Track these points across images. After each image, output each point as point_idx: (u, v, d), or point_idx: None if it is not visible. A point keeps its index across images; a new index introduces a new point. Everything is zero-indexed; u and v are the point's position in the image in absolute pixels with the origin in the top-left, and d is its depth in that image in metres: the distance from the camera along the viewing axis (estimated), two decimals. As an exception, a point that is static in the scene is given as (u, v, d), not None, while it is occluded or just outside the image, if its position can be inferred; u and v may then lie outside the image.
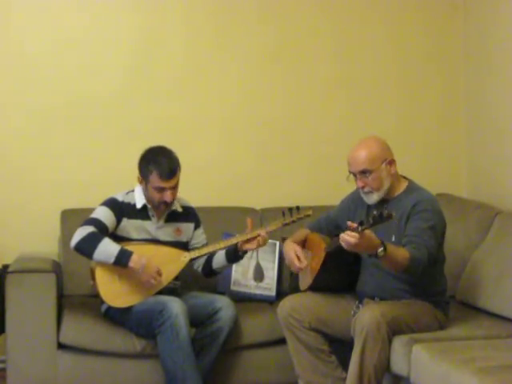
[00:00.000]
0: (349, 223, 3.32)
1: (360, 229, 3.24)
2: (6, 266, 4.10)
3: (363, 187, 3.70)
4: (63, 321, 3.93)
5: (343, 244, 3.32)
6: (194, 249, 4.04)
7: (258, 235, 3.88)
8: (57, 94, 4.53)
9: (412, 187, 3.77)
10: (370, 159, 3.66)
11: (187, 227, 4.08)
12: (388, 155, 3.72)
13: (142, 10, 4.63)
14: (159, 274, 3.83)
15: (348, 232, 3.28)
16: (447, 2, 4.99)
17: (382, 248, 3.33)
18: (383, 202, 3.72)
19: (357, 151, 3.71)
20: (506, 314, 3.88)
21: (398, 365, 3.53)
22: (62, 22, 4.53)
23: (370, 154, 3.67)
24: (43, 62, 4.52)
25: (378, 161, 3.67)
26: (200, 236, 4.12)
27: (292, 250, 3.87)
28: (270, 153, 4.82)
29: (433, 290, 3.74)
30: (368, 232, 3.28)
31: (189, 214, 4.09)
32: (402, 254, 3.44)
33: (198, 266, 4.10)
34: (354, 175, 3.72)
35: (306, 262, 3.83)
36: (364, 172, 3.67)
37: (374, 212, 3.24)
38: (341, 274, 3.82)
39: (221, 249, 3.99)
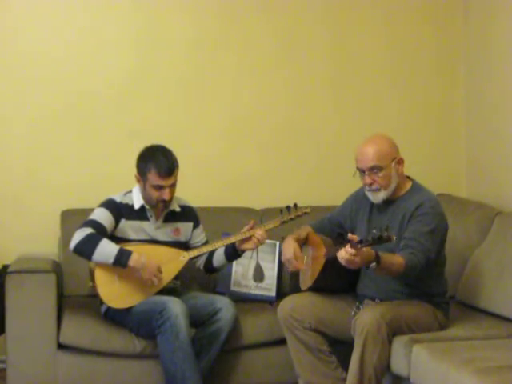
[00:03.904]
0: (349, 236, 3.29)
1: (359, 246, 3.23)
2: (6, 267, 4.11)
3: (371, 184, 3.68)
4: (63, 321, 3.93)
5: (340, 260, 3.31)
6: (193, 248, 4.04)
7: (254, 235, 3.89)
8: (57, 94, 4.53)
9: (416, 188, 3.77)
10: (381, 156, 3.65)
11: (186, 227, 4.08)
12: (397, 154, 3.71)
13: (143, 9, 4.63)
14: (160, 271, 3.84)
15: (347, 248, 3.26)
16: (447, 2, 4.99)
17: (374, 263, 3.33)
18: (388, 201, 3.72)
19: (366, 148, 3.68)
20: (506, 314, 3.88)
21: (398, 365, 3.54)
22: (62, 22, 4.53)
23: (380, 150, 3.66)
24: (43, 63, 4.52)
25: (388, 158, 3.66)
26: (199, 235, 4.12)
27: (291, 249, 3.84)
28: (271, 153, 4.82)
29: (433, 291, 3.74)
30: (365, 249, 3.28)
31: (187, 214, 4.09)
32: (396, 262, 3.43)
33: (200, 264, 4.11)
34: (362, 172, 3.69)
35: (302, 266, 3.82)
36: (373, 169, 3.65)
37: (374, 231, 3.22)
38: (341, 277, 3.81)
39: (219, 247, 4.00)
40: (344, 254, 3.27)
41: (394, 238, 3.24)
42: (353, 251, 3.24)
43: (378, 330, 3.46)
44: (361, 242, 3.23)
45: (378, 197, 3.72)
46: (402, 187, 3.75)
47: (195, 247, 4.06)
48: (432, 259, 3.57)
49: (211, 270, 4.13)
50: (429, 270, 3.59)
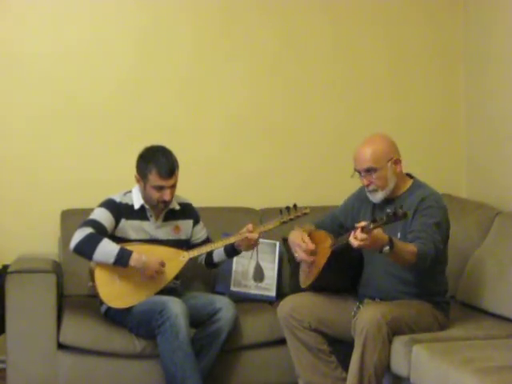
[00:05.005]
0: (358, 224, 3.29)
1: (371, 226, 3.23)
2: (6, 267, 4.11)
3: (368, 185, 3.70)
4: (63, 321, 3.93)
5: (352, 243, 3.30)
6: (193, 247, 4.04)
7: (248, 238, 3.90)
8: (57, 94, 4.53)
9: (417, 185, 3.77)
10: (376, 157, 3.66)
11: (186, 224, 4.09)
12: (394, 154, 3.71)
13: (143, 10, 4.63)
14: (162, 265, 3.84)
15: (358, 233, 3.26)
16: (447, 2, 4.99)
17: (387, 247, 3.32)
18: (388, 200, 3.73)
19: (362, 149, 3.70)
20: (506, 314, 3.88)
21: (398, 365, 3.53)
22: (63, 23, 4.53)
23: (375, 151, 3.67)
24: (43, 63, 4.51)
25: (383, 159, 3.67)
26: (200, 232, 4.14)
27: (299, 235, 3.84)
28: (270, 153, 4.82)
29: (433, 290, 3.74)
30: (376, 231, 3.27)
31: (187, 211, 4.10)
32: (409, 249, 3.43)
33: (201, 259, 4.13)
34: (359, 173, 3.71)
35: (313, 246, 3.79)
36: (369, 170, 3.66)
37: (388, 210, 3.22)
38: (343, 274, 3.81)
39: (218, 248, 4.01)
40: (354, 240, 3.27)
41: (410, 213, 3.22)
42: (364, 236, 3.24)
43: (378, 329, 3.46)
44: (374, 221, 3.22)
45: (377, 197, 3.73)
46: (401, 186, 3.76)
47: (196, 244, 4.07)
48: (440, 250, 3.58)
49: (212, 265, 4.15)
50: (431, 268, 3.58)
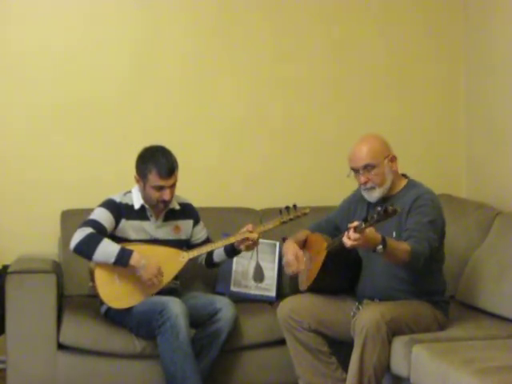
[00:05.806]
0: (351, 225, 3.30)
1: (363, 225, 3.24)
2: (6, 267, 4.10)
3: (366, 183, 3.70)
4: (63, 321, 3.93)
5: (345, 243, 3.31)
6: (192, 247, 4.05)
7: (248, 238, 3.90)
8: (57, 94, 4.53)
9: (411, 184, 3.79)
10: (373, 154, 3.68)
11: (186, 224, 4.09)
12: (389, 152, 3.73)
13: (143, 10, 4.63)
14: (160, 272, 3.84)
15: (350, 233, 3.27)
16: (447, 2, 4.99)
17: (380, 246, 3.33)
18: (384, 199, 3.73)
19: (358, 147, 3.72)
20: (506, 314, 3.88)
21: (398, 365, 3.53)
22: (62, 22, 4.53)
23: (372, 148, 3.69)
24: (43, 62, 4.51)
25: (380, 156, 3.69)
26: (200, 232, 4.14)
27: (292, 251, 3.86)
28: (270, 154, 4.82)
29: (432, 289, 3.74)
30: (369, 230, 3.28)
31: (187, 211, 4.10)
32: (403, 248, 3.44)
33: (201, 260, 4.13)
34: (357, 171, 3.71)
35: (303, 266, 3.83)
36: (367, 167, 3.67)
37: (379, 208, 3.22)
38: (341, 275, 3.81)
39: (218, 248, 4.01)
40: (347, 240, 3.28)
41: (400, 209, 3.23)
42: (356, 235, 3.25)
43: (377, 330, 3.46)
44: (365, 220, 3.23)
45: (374, 195, 3.73)
46: (397, 185, 3.77)
47: (196, 244, 4.07)
48: (435, 249, 3.58)
49: (212, 265, 4.16)
50: (427, 266, 3.59)
